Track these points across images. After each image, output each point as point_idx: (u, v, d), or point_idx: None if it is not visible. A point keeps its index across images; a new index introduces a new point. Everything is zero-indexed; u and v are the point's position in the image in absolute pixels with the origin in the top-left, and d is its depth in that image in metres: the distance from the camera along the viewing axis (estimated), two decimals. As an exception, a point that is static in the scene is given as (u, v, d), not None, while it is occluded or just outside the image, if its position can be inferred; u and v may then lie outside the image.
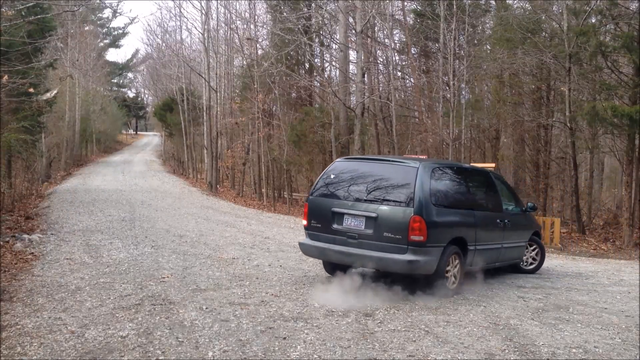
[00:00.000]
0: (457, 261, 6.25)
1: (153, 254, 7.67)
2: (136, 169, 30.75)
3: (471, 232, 6.49)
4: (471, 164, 12.96)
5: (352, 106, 16.22)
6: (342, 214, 6.30)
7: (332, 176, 6.74)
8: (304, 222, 6.68)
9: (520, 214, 7.78)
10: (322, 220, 6.46)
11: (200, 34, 24.11)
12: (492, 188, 7.48)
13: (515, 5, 18.75)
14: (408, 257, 5.75)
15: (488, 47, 18.56)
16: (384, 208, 6.09)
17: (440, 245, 5.94)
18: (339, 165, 6.86)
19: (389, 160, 6.80)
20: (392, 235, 5.95)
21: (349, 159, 7.29)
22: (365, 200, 6.23)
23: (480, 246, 6.64)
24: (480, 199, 7.17)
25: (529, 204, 8.06)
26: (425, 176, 6.04)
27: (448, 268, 6.08)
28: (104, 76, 45.10)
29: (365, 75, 19.87)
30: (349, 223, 6.25)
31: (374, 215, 6.07)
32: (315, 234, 6.52)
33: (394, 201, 6.08)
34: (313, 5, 20.93)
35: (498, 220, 7.11)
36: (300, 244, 6.67)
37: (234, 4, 35.58)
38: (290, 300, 5.50)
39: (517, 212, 7.71)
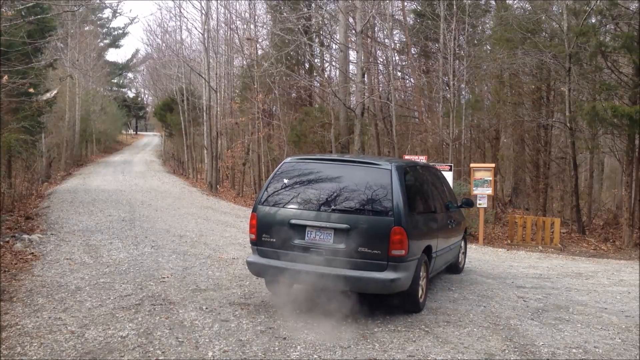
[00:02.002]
0: (424, 272, 5.53)
1: (153, 254, 7.67)
2: (136, 169, 30.75)
3: (434, 237, 5.88)
4: (471, 165, 13.01)
5: (352, 106, 16.22)
6: (304, 226, 5.25)
7: (285, 180, 5.65)
8: (252, 235, 5.53)
9: (457, 210, 7.30)
10: (276, 233, 5.33)
11: (200, 34, 24.11)
12: (442, 186, 7.06)
13: (515, 5, 18.76)
14: (389, 275, 4.95)
15: (488, 47, 18.56)
16: (357, 218, 5.16)
17: (416, 258, 5.26)
18: (291, 167, 5.75)
19: (355, 162, 5.74)
20: (369, 250, 5.06)
21: (303, 159, 5.96)
22: (333, 210, 5.25)
23: (439, 251, 6.05)
24: (437, 199, 6.50)
25: (463, 199, 7.64)
26: (400, 180, 5.24)
27: (420, 281, 5.38)
28: (104, 76, 45.10)
29: (365, 75, 19.87)
30: (312, 237, 5.23)
31: (344, 227, 5.12)
32: (269, 251, 5.37)
33: (368, 210, 5.20)
34: (313, 5, 20.94)
35: (449, 221, 6.59)
36: (249, 264, 5.44)
37: (234, 4, 35.61)
38: (290, 300, 5.49)
39: (456, 209, 7.17)
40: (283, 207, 5.47)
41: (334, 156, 6.58)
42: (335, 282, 5.06)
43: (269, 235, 5.40)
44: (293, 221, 5.30)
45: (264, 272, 5.45)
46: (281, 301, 5.32)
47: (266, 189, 5.65)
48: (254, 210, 5.55)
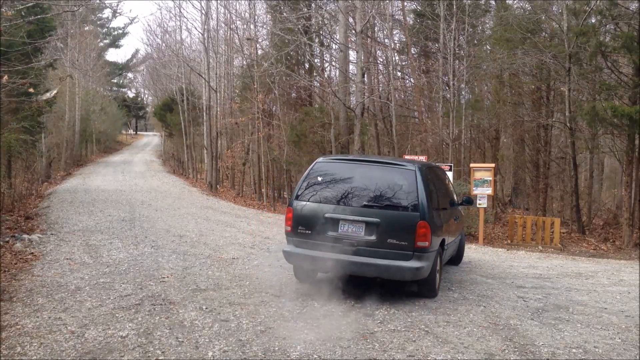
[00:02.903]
0: (439, 262, 6.21)
1: (153, 254, 7.67)
2: (136, 169, 30.74)
3: (446, 231, 6.52)
4: (471, 165, 13.03)
5: (352, 106, 16.22)
6: (338, 220, 5.89)
7: (319, 178, 6.31)
8: (287, 227, 6.15)
9: (457, 207, 7.89)
10: (312, 226, 5.95)
11: (200, 34, 24.11)
12: (448, 184, 7.74)
13: (515, 5, 18.76)
14: (414, 264, 5.60)
15: (488, 47, 18.56)
16: (386, 213, 5.84)
17: (436, 249, 5.90)
18: (323, 166, 6.43)
19: (381, 162, 6.44)
20: (397, 242, 5.73)
21: (334, 159, 6.67)
22: (365, 206, 5.89)
23: (449, 244, 6.79)
24: (445, 196, 7.16)
25: (464, 197, 8.25)
26: (423, 179, 5.89)
27: (437, 270, 6.06)
28: (104, 76, 45.12)
29: (365, 75, 19.87)
30: (345, 229, 5.86)
31: (375, 220, 5.79)
32: (304, 241, 5.98)
33: (396, 206, 5.85)
34: (313, 5, 20.94)
35: (454, 217, 7.32)
36: (287, 253, 6.03)
37: (234, 4, 35.63)
38: (290, 300, 5.50)
39: (458, 206, 7.87)
40: (318, 202, 6.08)
41: (362, 157, 7.25)
42: (366, 269, 5.74)
43: (304, 227, 6.01)
44: (327, 215, 5.93)
45: (299, 260, 6.05)
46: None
47: (301, 185, 6.26)
48: (290, 205, 6.19)
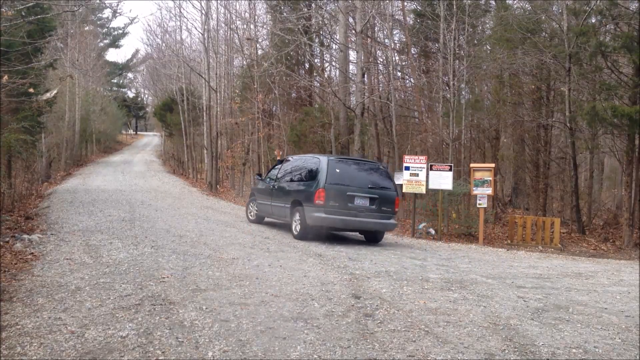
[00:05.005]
0: None
1: (153, 254, 7.67)
2: (136, 169, 30.76)
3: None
4: (471, 165, 13.12)
5: (352, 106, 16.22)
6: (354, 196, 9.99)
7: (337, 170, 10.13)
8: (320, 202, 9.82)
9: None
10: (338, 200, 9.86)
11: (200, 34, 24.13)
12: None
13: (515, 5, 18.77)
14: (393, 221, 10.50)
15: (488, 47, 18.56)
16: (381, 192, 10.24)
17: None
18: (333, 163, 10.23)
19: (367, 161, 12.00)
20: (386, 209, 10.28)
21: (338, 158, 10.72)
22: (370, 188, 10.16)
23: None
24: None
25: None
26: (390, 173, 11.21)
27: None
28: (104, 76, 45.14)
29: (365, 75, 19.87)
30: (358, 202, 10.00)
31: (376, 196, 10.13)
32: (332, 210, 9.82)
33: (385, 188, 10.36)
34: (313, 5, 20.94)
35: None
36: (321, 218, 9.84)
37: (234, 4, 35.70)
38: (290, 300, 5.49)
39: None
40: (340, 185, 9.99)
41: (356, 157, 13.16)
42: (371, 225, 10.28)
43: (332, 201, 9.84)
44: (349, 193, 9.97)
45: (329, 223, 9.91)
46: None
47: (325, 176, 9.96)
48: (322, 187, 9.85)
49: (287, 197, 11.01)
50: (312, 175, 10.43)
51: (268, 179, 12.57)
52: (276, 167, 12.74)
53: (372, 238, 11.03)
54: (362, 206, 9.94)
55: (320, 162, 10.28)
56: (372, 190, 10.08)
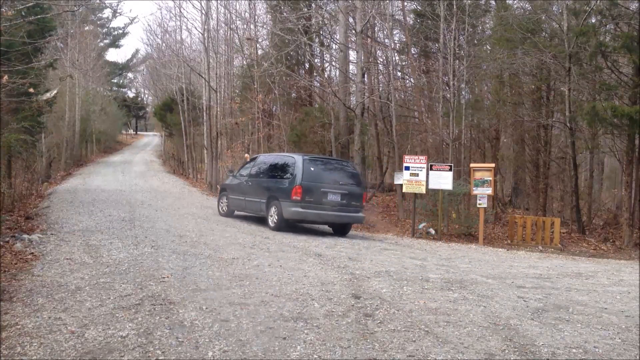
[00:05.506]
0: None
1: (153, 254, 7.66)
2: (136, 169, 30.75)
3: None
4: (471, 165, 13.11)
5: (352, 106, 16.22)
6: (327, 192, 10.99)
7: (312, 169, 11.09)
8: (297, 197, 10.75)
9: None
10: (313, 196, 10.83)
11: (200, 34, 24.12)
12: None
13: (515, 5, 18.77)
14: (362, 214, 11.67)
15: (488, 47, 18.56)
16: (350, 188, 11.32)
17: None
18: (307, 161, 11.20)
19: (338, 160, 13.16)
20: (355, 203, 11.33)
21: (312, 157, 11.79)
22: (340, 184, 11.23)
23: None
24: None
25: None
26: (358, 171, 12.52)
27: None
28: (104, 76, 45.10)
29: (365, 75, 19.87)
30: (331, 198, 11.01)
31: (346, 192, 11.19)
32: (308, 205, 10.80)
33: (354, 184, 11.44)
34: (313, 5, 20.93)
35: None
36: (297, 212, 10.82)
37: (234, 4, 35.66)
38: (290, 300, 5.49)
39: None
40: (315, 182, 10.97)
41: (327, 156, 13.76)
42: (342, 219, 11.36)
43: (308, 196, 10.80)
44: (323, 189, 10.94)
45: (304, 216, 10.97)
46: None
47: (302, 173, 10.91)
48: (299, 184, 10.80)
49: (263, 193, 11.84)
50: (288, 172, 11.39)
51: (240, 176, 13.43)
52: (247, 165, 13.71)
53: (340, 230, 11.92)
54: (334, 201, 10.98)
55: (296, 160, 11.26)
56: (343, 186, 11.16)
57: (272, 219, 11.42)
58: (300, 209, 10.74)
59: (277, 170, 11.96)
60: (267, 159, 13.11)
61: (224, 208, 13.82)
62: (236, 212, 13.69)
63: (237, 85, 25.97)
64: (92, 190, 18.34)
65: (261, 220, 12.93)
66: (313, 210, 10.81)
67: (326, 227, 12.69)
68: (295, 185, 10.77)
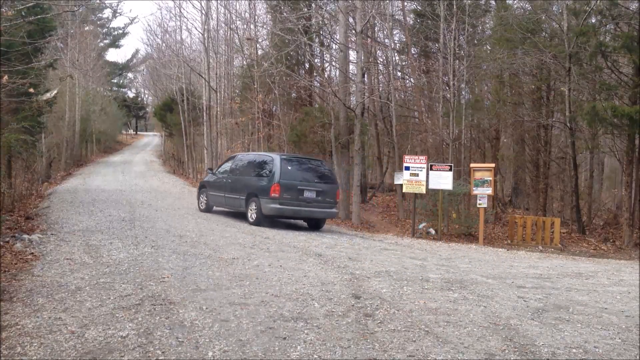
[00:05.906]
0: None
1: (153, 254, 7.67)
2: (136, 169, 30.76)
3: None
4: (471, 165, 13.10)
5: (352, 106, 16.22)
6: (303, 189, 11.67)
7: (289, 167, 11.78)
8: (276, 195, 11.37)
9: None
10: (290, 193, 11.50)
11: (200, 34, 24.12)
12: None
13: (515, 5, 18.77)
14: (335, 209, 12.53)
15: (488, 47, 18.56)
16: (325, 185, 12.07)
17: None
18: (284, 160, 11.88)
19: (313, 159, 13.40)
20: (329, 200, 12.11)
21: (291, 157, 12.53)
22: (316, 182, 11.98)
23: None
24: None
25: None
26: (332, 169, 13.49)
27: None
28: (104, 76, 45.09)
29: (365, 75, 19.86)
30: (307, 195, 11.71)
31: (321, 189, 11.93)
32: (285, 201, 11.46)
33: (328, 182, 12.26)
34: (313, 5, 20.92)
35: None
36: (276, 209, 11.48)
37: (234, 4, 35.63)
38: (290, 300, 5.49)
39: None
40: (292, 180, 11.62)
41: (301, 155, 14.78)
42: (317, 214, 12.06)
43: (285, 193, 11.46)
44: (299, 187, 11.64)
45: (282, 212, 11.59)
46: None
47: (279, 172, 11.57)
48: (277, 182, 11.44)
49: (242, 190, 12.47)
50: (266, 171, 12.07)
51: (219, 173, 13.96)
52: (226, 163, 14.24)
53: (315, 225, 12.71)
54: (310, 198, 11.70)
55: (274, 159, 11.97)
56: (318, 184, 11.92)
57: (252, 215, 12.05)
58: (279, 206, 11.37)
59: (256, 169, 12.61)
60: (245, 157, 13.76)
61: (202, 204, 14.31)
62: (214, 208, 14.25)
63: (237, 85, 25.97)
64: (92, 190, 18.34)
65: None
66: (290, 206, 11.47)
67: (302, 222, 13.39)
68: (273, 183, 11.41)
